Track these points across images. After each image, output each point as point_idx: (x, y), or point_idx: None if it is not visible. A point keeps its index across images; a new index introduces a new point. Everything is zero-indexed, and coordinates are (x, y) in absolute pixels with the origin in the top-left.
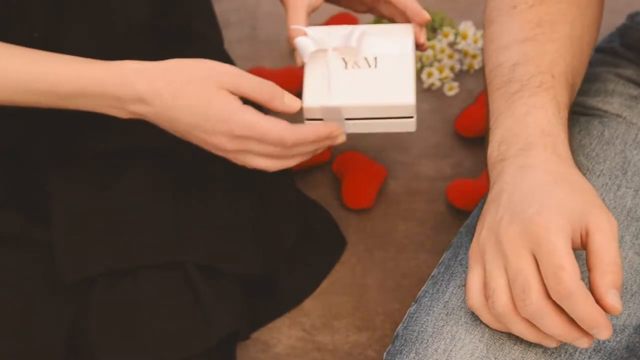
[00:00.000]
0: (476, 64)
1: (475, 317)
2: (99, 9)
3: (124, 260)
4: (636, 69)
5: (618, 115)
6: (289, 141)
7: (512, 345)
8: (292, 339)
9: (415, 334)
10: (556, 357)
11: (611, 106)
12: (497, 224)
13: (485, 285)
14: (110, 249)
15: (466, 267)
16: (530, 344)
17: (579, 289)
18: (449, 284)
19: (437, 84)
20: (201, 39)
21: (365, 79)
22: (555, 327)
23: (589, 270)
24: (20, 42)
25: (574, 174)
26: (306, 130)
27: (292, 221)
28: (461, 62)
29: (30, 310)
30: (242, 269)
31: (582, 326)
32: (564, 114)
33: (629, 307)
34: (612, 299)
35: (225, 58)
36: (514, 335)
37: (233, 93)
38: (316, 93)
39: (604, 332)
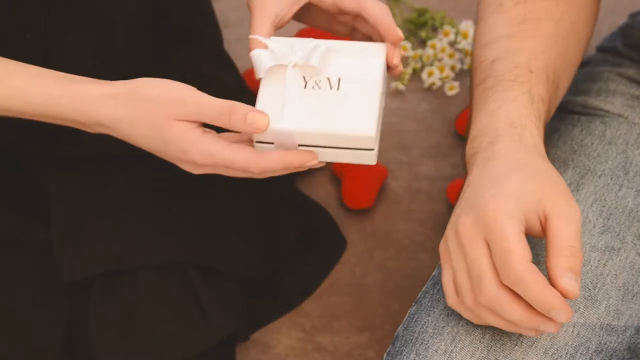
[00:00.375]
0: None
1: None
2: (85, 8)
3: (123, 261)
4: (638, 68)
5: (620, 115)
6: (255, 170)
7: (512, 346)
8: (291, 339)
9: (416, 334)
10: (557, 358)
11: (613, 106)
12: (457, 217)
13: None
14: (109, 249)
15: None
16: (531, 345)
17: (528, 272)
18: None
19: (438, 83)
20: (201, 38)
21: (324, 102)
22: (516, 314)
23: (546, 256)
24: (13, 43)
25: (538, 162)
26: (273, 161)
27: (291, 221)
28: (462, 61)
29: (28, 311)
30: (242, 269)
31: (540, 310)
32: (538, 106)
33: (631, 307)
34: (567, 282)
35: (225, 58)
36: (515, 335)
37: (192, 121)
38: (269, 114)
39: (562, 314)
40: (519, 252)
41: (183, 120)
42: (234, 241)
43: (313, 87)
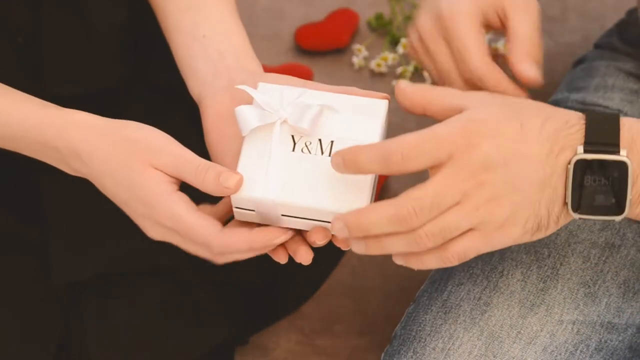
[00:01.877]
0: None
1: (473, 316)
2: (75, 9)
3: (118, 264)
4: (635, 63)
5: (619, 111)
6: (215, 247)
7: (511, 343)
8: (291, 342)
9: (414, 333)
10: (556, 356)
11: (612, 101)
12: (417, 16)
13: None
14: (105, 252)
15: (464, 266)
16: (530, 342)
17: (485, 67)
18: (447, 283)
19: None
20: None
21: (313, 170)
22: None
23: (508, 51)
24: (5, 47)
25: None
26: (237, 239)
27: None
28: None
29: (22, 313)
30: (239, 272)
31: (489, 86)
32: None
33: (632, 305)
34: (526, 67)
35: None
36: (513, 333)
37: (167, 174)
38: (250, 179)
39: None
40: (475, 48)
41: (158, 170)
42: None
43: (302, 149)
